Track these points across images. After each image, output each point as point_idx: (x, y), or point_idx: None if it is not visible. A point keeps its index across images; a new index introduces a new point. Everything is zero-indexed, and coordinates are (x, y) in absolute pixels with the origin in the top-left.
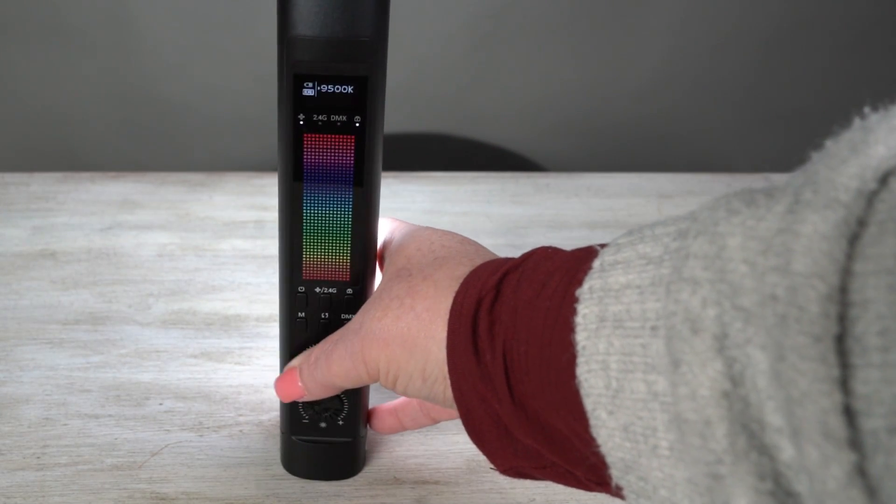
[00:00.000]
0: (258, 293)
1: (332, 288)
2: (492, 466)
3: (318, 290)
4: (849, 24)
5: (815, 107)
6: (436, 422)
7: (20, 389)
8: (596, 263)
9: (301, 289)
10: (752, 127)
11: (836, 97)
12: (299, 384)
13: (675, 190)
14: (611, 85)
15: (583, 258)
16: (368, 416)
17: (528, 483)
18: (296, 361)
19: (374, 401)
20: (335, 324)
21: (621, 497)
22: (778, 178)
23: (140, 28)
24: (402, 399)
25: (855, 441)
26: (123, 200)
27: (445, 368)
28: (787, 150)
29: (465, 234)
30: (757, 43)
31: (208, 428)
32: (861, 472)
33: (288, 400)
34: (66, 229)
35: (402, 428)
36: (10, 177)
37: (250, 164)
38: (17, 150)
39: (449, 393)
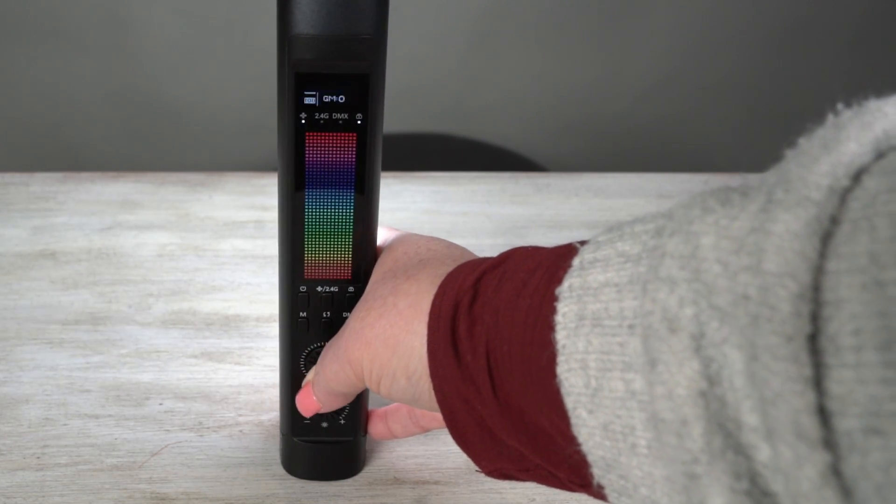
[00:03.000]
0: (258, 293)
1: (333, 286)
2: (477, 469)
3: (319, 289)
4: (849, 24)
5: (814, 107)
6: (425, 430)
7: (20, 389)
8: (576, 261)
9: (302, 288)
10: (751, 127)
11: (836, 97)
12: (314, 398)
13: (675, 190)
14: (611, 85)
15: (563, 255)
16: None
17: (528, 483)
18: (310, 375)
19: (373, 401)
20: (337, 323)
21: (603, 497)
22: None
23: (140, 28)
24: (392, 405)
25: (829, 441)
26: (123, 200)
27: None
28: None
29: (465, 234)
30: (757, 44)
31: (208, 428)
32: (835, 472)
33: (309, 414)
34: (66, 229)
35: (391, 435)
36: (10, 177)
37: (250, 164)
38: (17, 150)
39: (434, 393)
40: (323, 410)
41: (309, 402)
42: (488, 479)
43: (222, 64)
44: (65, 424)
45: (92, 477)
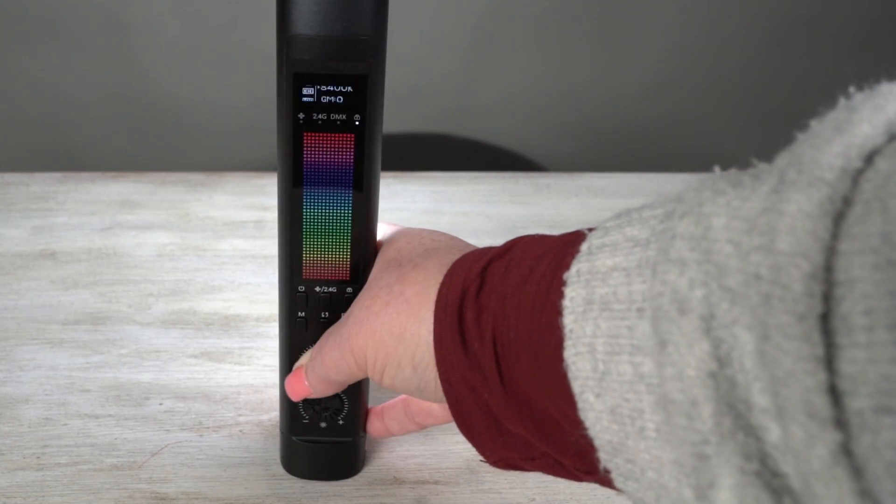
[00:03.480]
0: (258, 293)
1: (332, 287)
2: (482, 459)
3: (318, 289)
4: (849, 24)
5: (815, 107)
6: (422, 427)
7: (20, 389)
8: (583, 247)
9: (301, 288)
10: (751, 127)
11: (837, 97)
12: (305, 382)
13: (675, 190)
14: (610, 85)
15: (571, 242)
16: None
17: (527, 483)
18: (303, 359)
19: (373, 401)
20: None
21: (609, 481)
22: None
23: (140, 28)
24: (389, 402)
25: (840, 421)
26: (123, 200)
27: None
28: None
29: (465, 234)
30: (757, 43)
31: (208, 428)
32: (846, 451)
33: (297, 398)
34: (66, 229)
35: (388, 432)
36: (10, 177)
37: (250, 164)
38: (17, 150)
39: (440, 382)
40: (313, 396)
41: (299, 387)
42: (488, 479)
43: (222, 64)
44: (65, 424)
45: (92, 477)
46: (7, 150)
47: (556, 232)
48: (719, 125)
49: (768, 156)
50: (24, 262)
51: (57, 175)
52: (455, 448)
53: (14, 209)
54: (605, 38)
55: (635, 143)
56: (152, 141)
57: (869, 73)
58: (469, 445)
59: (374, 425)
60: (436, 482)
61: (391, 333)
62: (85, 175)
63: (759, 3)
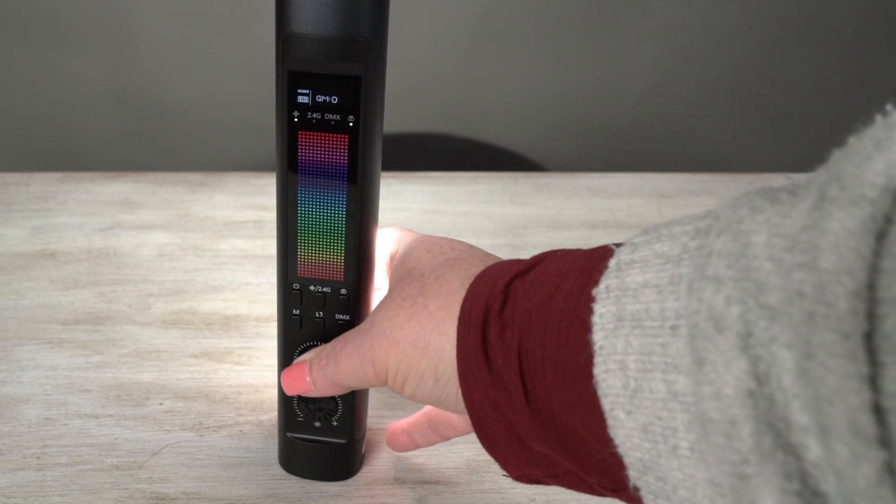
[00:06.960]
0: (258, 293)
1: (325, 287)
2: (504, 473)
3: (312, 288)
4: (849, 24)
5: (815, 107)
6: (445, 439)
7: (20, 389)
8: (612, 262)
9: (295, 286)
10: (752, 127)
11: (837, 97)
12: (307, 379)
13: (675, 190)
14: (611, 85)
15: (597, 258)
16: (386, 434)
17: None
18: (307, 356)
19: (373, 403)
20: (329, 324)
21: (637, 499)
22: (776, 179)
23: (140, 28)
24: (412, 417)
25: (885, 439)
26: (123, 200)
27: None
28: (787, 150)
29: (465, 234)
30: (757, 43)
31: (208, 428)
32: (891, 470)
33: (292, 393)
34: (66, 229)
35: (415, 446)
36: (10, 177)
37: (250, 164)
38: (17, 150)
39: (462, 395)
40: (313, 394)
41: (300, 383)
42: (488, 479)
43: (222, 64)
44: (65, 424)
45: (92, 477)
46: (7, 150)
47: (556, 232)
48: (719, 125)
49: (767, 156)
50: (24, 262)
51: (57, 175)
52: (455, 448)
53: (14, 209)
54: (605, 38)
55: (635, 143)
56: (152, 141)
57: (870, 74)
58: (470, 445)
59: (399, 440)
60: (436, 482)
61: (415, 346)
62: (85, 175)
63: (759, 3)
